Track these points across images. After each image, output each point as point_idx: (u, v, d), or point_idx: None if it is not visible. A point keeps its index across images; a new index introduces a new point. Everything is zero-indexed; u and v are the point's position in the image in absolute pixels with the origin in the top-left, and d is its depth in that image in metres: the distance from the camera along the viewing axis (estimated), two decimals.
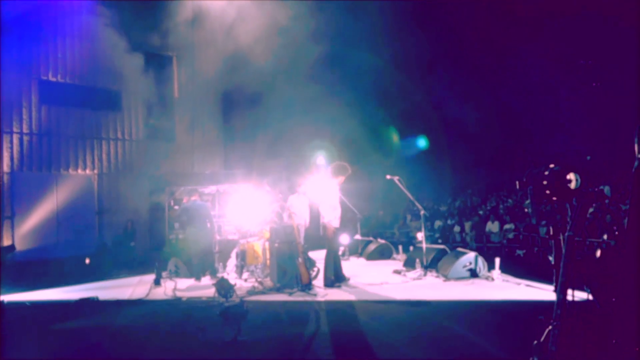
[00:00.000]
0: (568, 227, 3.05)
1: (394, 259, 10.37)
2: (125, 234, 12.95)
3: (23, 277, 9.80)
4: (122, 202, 13.49)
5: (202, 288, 7.94)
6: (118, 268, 10.34)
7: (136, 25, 12.15)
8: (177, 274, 9.06)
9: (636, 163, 3.10)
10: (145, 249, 12.96)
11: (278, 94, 15.37)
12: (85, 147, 13.41)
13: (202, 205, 9.04)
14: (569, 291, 3.49)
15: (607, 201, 10.52)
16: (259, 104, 15.40)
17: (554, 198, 3.02)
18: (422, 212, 8.45)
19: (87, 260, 10.98)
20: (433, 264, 8.31)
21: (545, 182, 3.05)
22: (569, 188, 3.01)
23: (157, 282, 8.31)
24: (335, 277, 7.60)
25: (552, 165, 3.08)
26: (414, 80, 16.52)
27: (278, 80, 13.80)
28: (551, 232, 3.24)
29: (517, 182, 3.28)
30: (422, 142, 18.47)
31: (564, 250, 3.04)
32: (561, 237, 3.14)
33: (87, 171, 13.45)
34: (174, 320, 6.18)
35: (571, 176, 3.04)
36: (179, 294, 7.57)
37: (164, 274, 8.90)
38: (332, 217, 7.70)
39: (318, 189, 10.20)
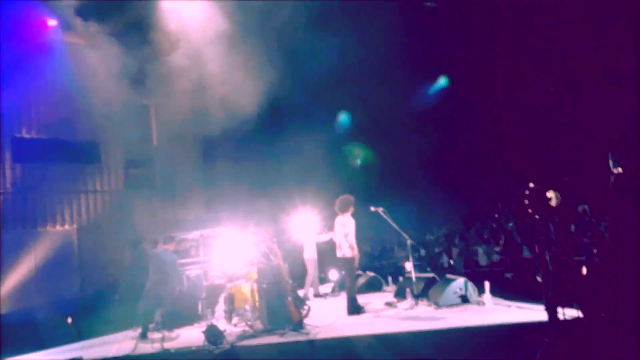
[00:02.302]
0: (552, 245, 3.10)
1: (385, 290, 10.28)
2: (108, 287, 12.56)
3: (2, 342, 9.37)
4: (103, 255, 13.17)
5: (190, 337, 7.70)
6: (102, 324, 9.97)
7: (111, 76, 12.20)
8: (164, 325, 8.76)
9: (612, 177, 3.18)
10: (130, 302, 12.57)
11: (260, 134, 15.44)
12: (63, 202, 13.14)
13: (169, 256, 8.56)
14: (560, 309, 3.50)
15: (586, 219, 10.70)
16: (241, 144, 15.43)
17: (536, 216, 3.09)
18: (408, 242, 8.46)
19: (69, 320, 10.57)
20: (424, 293, 8.27)
21: (526, 201, 3.12)
22: (550, 205, 3.08)
23: (143, 336, 8.04)
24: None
25: (532, 185, 3.15)
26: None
27: (260, 121, 13.87)
28: (537, 251, 3.28)
29: (498, 203, 3.34)
30: (443, 81, 17.58)
31: (550, 268, 3.07)
32: (547, 255, 3.18)
33: (67, 226, 13.15)
34: None
35: (551, 194, 3.11)
36: (166, 345, 7.33)
37: (150, 326, 8.63)
38: (350, 247, 8.09)
39: (303, 225, 10.29)
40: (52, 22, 12.12)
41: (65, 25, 12.29)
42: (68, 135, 13.26)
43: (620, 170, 3.20)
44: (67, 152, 13.14)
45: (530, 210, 3.11)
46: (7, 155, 12.36)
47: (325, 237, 9.81)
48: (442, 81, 17.60)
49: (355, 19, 13.10)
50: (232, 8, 11.38)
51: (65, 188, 13.20)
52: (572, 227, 10.51)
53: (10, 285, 11.85)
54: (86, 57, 12.57)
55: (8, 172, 12.33)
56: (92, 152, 13.78)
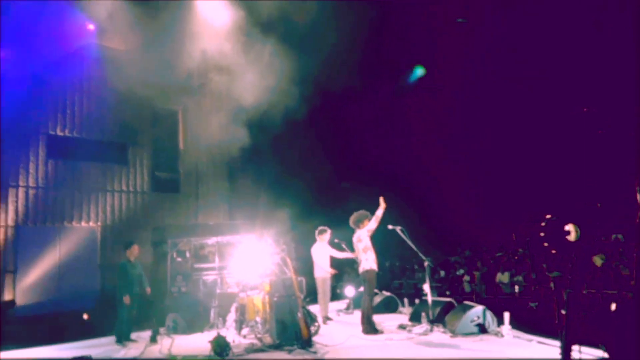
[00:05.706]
0: (568, 284, 2.86)
1: (400, 312, 9.98)
2: None
3: (22, 333, 9.57)
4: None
5: (199, 344, 7.63)
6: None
7: (143, 80, 12.44)
8: (175, 330, 8.76)
9: None
10: (147, 303, 12.65)
11: (284, 145, 15.49)
12: (90, 200, 13.44)
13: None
14: (580, 349, 3.24)
15: (621, 250, 10.14)
16: (265, 154, 15.50)
17: (553, 251, 2.85)
18: (425, 263, 8.18)
19: (86, 316, 10.71)
20: (440, 318, 7.96)
21: (542, 234, 2.89)
22: (567, 240, 2.84)
23: (153, 339, 8.03)
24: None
25: (548, 216, 2.92)
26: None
27: (284, 131, 13.93)
28: (553, 288, 3.03)
29: (513, 235, 3.13)
30: (419, 71, 17.85)
31: (565, 310, 2.82)
32: (564, 293, 2.94)
33: (91, 223, 13.41)
34: None
35: (570, 227, 2.87)
36: (174, 351, 7.28)
37: (161, 330, 8.62)
38: (369, 261, 7.91)
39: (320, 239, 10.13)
40: (90, 27, 12.54)
41: (102, 30, 12.70)
42: (98, 135, 13.64)
43: None
44: (96, 152, 13.52)
45: (546, 244, 2.87)
46: (41, 152, 12.76)
47: (340, 255, 9.56)
48: (419, 71, 17.66)
49: None
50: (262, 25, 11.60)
51: (93, 186, 13.52)
52: (604, 258, 9.98)
53: (34, 277, 12.13)
54: (121, 61, 12.85)
55: (41, 168, 12.71)
56: (120, 153, 14.12)
